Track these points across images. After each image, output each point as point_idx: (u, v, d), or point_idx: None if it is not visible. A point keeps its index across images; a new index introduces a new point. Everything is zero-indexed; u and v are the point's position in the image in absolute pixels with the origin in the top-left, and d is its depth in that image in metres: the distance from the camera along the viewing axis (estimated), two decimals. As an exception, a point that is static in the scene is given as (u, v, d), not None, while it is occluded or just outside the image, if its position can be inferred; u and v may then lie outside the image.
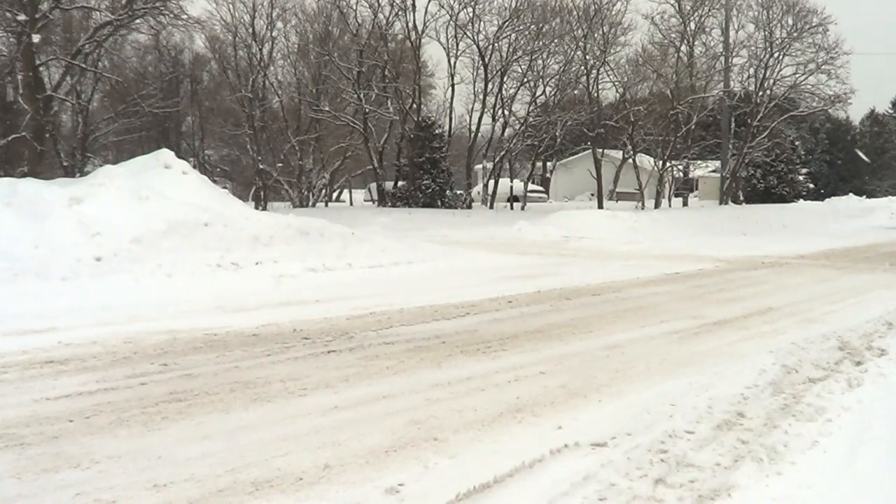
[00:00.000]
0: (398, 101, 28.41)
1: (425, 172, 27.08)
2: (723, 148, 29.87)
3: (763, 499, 3.24)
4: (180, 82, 35.87)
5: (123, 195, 11.03)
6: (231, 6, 28.90)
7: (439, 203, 27.35)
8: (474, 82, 28.92)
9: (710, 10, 28.98)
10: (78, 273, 9.41)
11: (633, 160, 30.44)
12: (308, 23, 30.39)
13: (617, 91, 30.81)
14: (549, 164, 43.03)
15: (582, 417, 4.24)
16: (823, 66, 28.15)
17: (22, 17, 17.31)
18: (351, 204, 39.36)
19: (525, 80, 29.38)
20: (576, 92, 31.83)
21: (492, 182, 30.41)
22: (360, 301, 8.59)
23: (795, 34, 28.20)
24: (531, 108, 30.24)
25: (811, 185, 38.14)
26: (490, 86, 28.43)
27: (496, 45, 27.95)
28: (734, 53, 29.14)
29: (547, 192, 44.49)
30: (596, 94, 29.76)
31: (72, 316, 7.41)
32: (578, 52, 28.43)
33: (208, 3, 31.45)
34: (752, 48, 29.09)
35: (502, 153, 29.97)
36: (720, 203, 30.40)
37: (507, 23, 27.57)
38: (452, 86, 28.38)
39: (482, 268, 12.12)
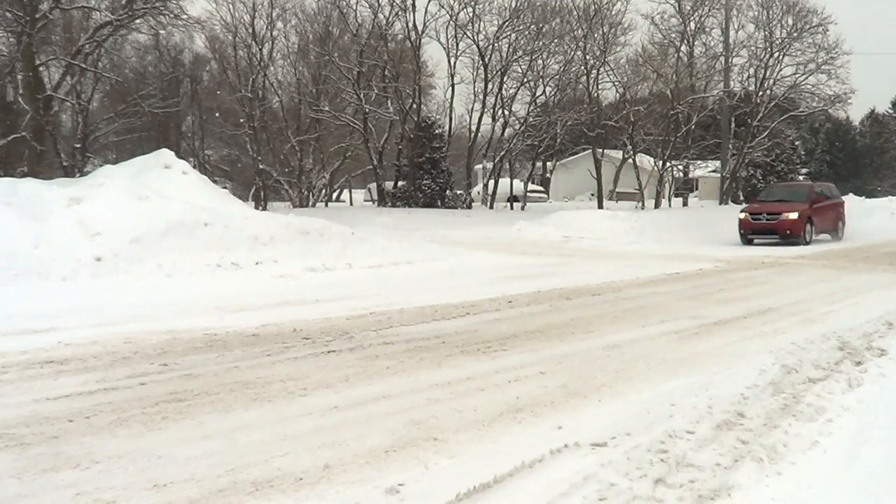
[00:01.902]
0: (398, 101, 28.42)
1: (425, 172, 27.08)
2: (723, 148, 29.87)
3: (763, 499, 3.23)
4: (180, 82, 35.87)
5: (123, 195, 11.03)
6: (231, 6, 28.94)
7: (439, 203, 27.35)
8: (474, 82, 28.97)
9: (710, 10, 28.99)
10: (78, 273, 9.41)
11: (633, 160, 30.45)
12: (308, 23, 30.44)
13: (617, 91, 30.86)
14: (549, 164, 43.02)
15: (582, 417, 4.24)
16: (823, 66, 28.14)
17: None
18: (351, 204, 39.37)
19: (525, 80, 29.42)
20: (576, 92, 31.83)
21: (492, 182, 30.42)
22: (360, 301, 8.59)
23: (795, 34, 28.19)
24: (531, 108, 30.28)
25: (811, 186, 38.11)
26: (490, 86, 28.46)
27: (496, 45, 28.00)
28: (734, 53, 29.15)
29: (547, 192, 44.48)
30: (596, 94, 29.79)
31: (72, 316, 7.40)
32: (578, 52, 28.47)
33: (208, 3, 31.49)
34: (752, 48, 29.10)
35: (502, 153, 29.98)
36: (720, 203, 30.38)
37: (507, 23, 27.61)
38: (452, 86, 28.42)
39: (482, 268, 12.13)
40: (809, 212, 18.14)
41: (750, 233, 18.10)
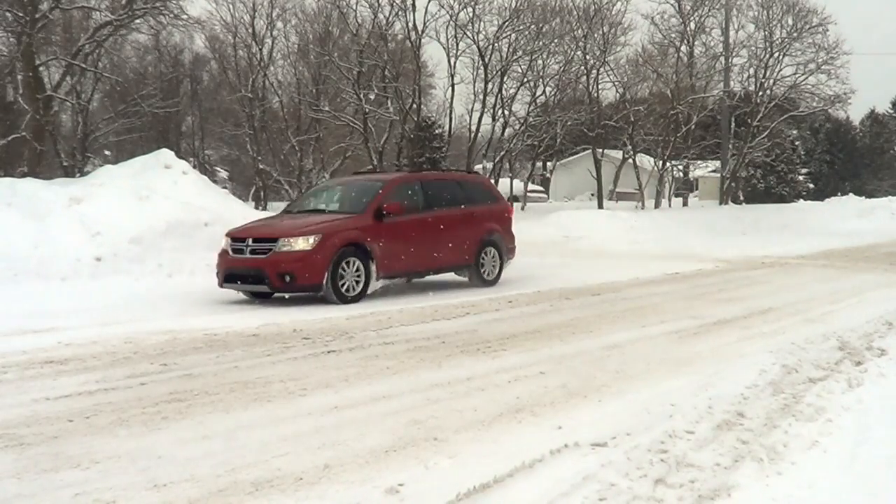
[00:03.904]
0: (398, 101, 28.40)
1: (425, 172, 27.10)
2: (723, 148, 29.85)
3: (763, 499, 3.23)
4: (180, 82, 35.88)
5: (123, 195, 11.04)
6: (231, 6, 28.96)
7: (439, 203, 27.33)
8: (474, 82, 28.91)
9: (710, 10, 28.94)
10: (78, 273, 9.42)
11: (633, 160, 30.43)
12: (308, 23, 30.43)
13: (617, 91, 30.82)
14: (549, 164, 43.03)
15: (582, 417, 4.24)
16: (823, 66, 28.09)
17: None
18: (351, 204, 39.25)
19: (525, 80, 29.39)
20: (576, 92, 31.83)
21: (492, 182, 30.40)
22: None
23: (795, 34, 28.16)
24: (531, 108, 30.25)
25: (811, 185, 38.09)
26: (490, 86, 28.42)
27: (496, 45, 27.94)
28: (734, 53, 29.10)
29: (547, 192, 44.49)
30: (596, 94, 29.76)
31: (72, 316, 7.42)
32: (578, 52, 28.44)
33: (208, 3, 31.49)
34: (752, 48, 29.05)
35: (502, 153, 29.97)
36: (720, 203, 30.37)
37: (507, 23, 27.56)
38: (452, 86, 28.36)
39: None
40: (363, 234, 9.01)
41: (227, 275, 8.91)
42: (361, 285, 8.82)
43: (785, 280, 11.06)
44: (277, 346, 6.13)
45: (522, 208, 31.59)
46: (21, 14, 17.62)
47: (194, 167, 17.00)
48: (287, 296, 8.82)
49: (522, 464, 3.48)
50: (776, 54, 28.56)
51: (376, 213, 9.20)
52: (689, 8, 28.69)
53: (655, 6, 32.49)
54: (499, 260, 10.61)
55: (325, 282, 8.50)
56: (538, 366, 5.44)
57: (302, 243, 8.55)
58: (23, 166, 18.77)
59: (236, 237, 9.06)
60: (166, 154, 13.31)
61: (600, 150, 30.28)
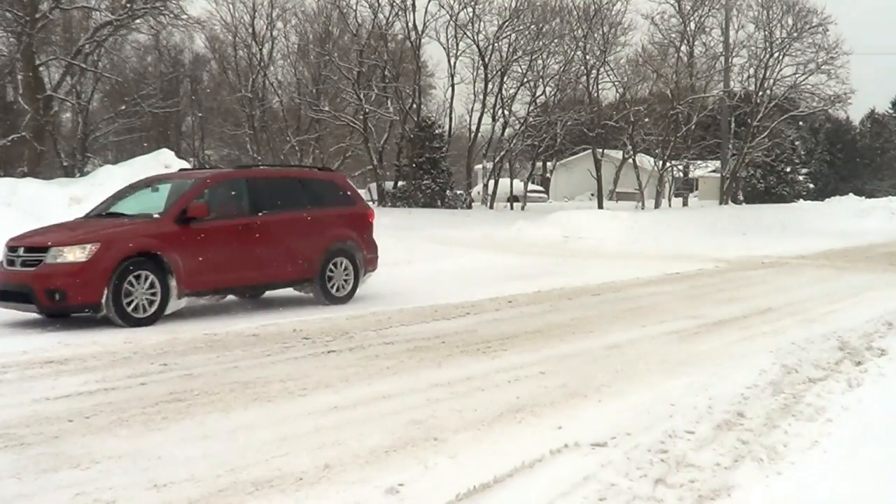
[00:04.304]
0: (398, 101, 28.40)
1: (425, 172, 27.07)
2: (723, 148, 29.86)
3: (763, 499, 3.23)
4: (180, 82, 35.89)
5: (123, 195, 11.02)
6: (231, 6, 28.96)
7: (439, 203, 27.33)
8: (474, 82, 28.91)
9: (710, 10, 28.96)
10: (78, 273, 9.39)
11: (633, 160, 30.44)
12: (308, 23, 30.44)
13: (617, 91, 30.83)
14: (549, 164, 43.02)
15: (582, 417, 4.24)
16: (823, 66, 28.12)
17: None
18: (351, 204, 39.20)
19: (525, 80, 29.37)
20: (576, 92, 31.83)
21: (492, 182, 30.40)
22: (359, 301, 8.61)
23: (795, 34, 28.18)
24: (531, 108, 30.24)
25: (811, 185, 38.10)
26: (490, 86, 28.42)
27: (496, 45, 27.95)
28: (734, 53, 29.12)
29: (547, 192, 44.47)
30: (596, 94, 29.77)
31: (71, 316, 7.41)
32: (578, 52, 28.44)
33: (208, 3, 31.40)
34: (752, 48, 29.08)
35: (502, 153, 29.97)
36: (720, 203, 30.37)
37: (507, 23, 27.57)
38: (452, 86, 28.37)
39: (482, 268, 12.13)
40: (160, 242, 7.44)
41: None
42: (157, 304, 7.25)
43: (785, 280, 11.06)
44: (277, 346, 6.13)
45: (523, 208, 31.59)
46: (21, 14, 17.65)
47: (194, 167, 17.03)
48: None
49: (522, 464, 3.48)
50: (776, 54, 28.59)
51: (179, 217, 7.60)
52: (689, 8, 28.71)
53: (655, 6, 32.46)
54: (353, 273, 8.84)
55: (104, 300, 6.95)
56: (538, 366, 5.44)
57: (77, 253, 7.03)
58: (23, 166, 18.79)
59: (12, 245, 7.55)
60: (166, 154, 13.35)
61: (600, 150, 30.28)
